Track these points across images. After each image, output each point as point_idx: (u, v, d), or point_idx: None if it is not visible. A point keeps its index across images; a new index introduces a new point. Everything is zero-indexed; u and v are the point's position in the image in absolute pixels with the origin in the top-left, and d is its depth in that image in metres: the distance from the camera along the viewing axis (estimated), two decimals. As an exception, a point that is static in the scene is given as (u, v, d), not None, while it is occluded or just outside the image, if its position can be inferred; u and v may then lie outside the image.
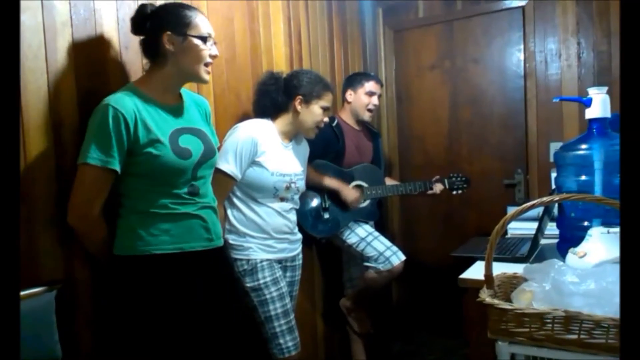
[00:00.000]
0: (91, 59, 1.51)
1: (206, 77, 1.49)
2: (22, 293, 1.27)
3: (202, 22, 1.46)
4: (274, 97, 1.98)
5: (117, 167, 1.34)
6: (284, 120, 2.00)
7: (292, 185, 1.96)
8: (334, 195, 2.42)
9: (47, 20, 1.39)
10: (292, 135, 2.04)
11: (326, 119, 2.04)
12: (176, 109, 1.50)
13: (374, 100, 2.59)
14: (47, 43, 1.39)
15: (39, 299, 1.30)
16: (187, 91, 1.63)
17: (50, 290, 1.34)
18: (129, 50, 1.62)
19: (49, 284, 1.34)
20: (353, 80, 2.63)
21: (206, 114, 1.64)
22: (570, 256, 1.36)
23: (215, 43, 1.51)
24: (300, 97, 1.97)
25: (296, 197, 2.02)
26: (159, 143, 1.38)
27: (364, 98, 2.58)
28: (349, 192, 2.39)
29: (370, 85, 2.58)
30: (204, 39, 1.46)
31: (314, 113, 1.98)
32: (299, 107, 1.97)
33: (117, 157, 1.33)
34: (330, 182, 2.37)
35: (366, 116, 2.61)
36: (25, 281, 1.30)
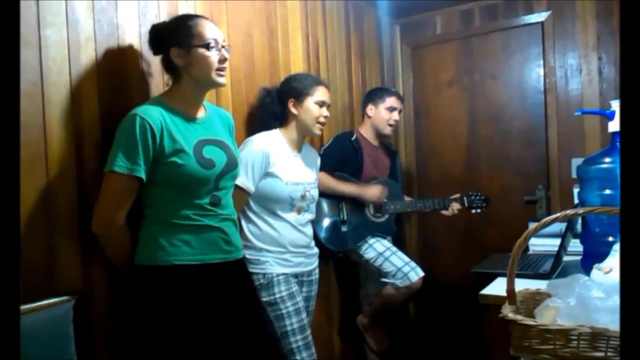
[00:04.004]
0: (113, 74, 1.54)
1: (221, 80, 1.50)
2: (39, 303, 1.28)
3: (204, 29, 1.46)
4: (270, 109, 2.03)
5: (143, 175, 1.36)
6: (288, 129, 2.02)
7: (307, 193, 1.96)
8: (351, 209, 2.40)
9: (72, 35, 1.42)
10: (301, 143, 2.06)
11: (326, 113, 2.02)
12: (201, 120, 1.52)
13: (395, 115, 2.59)
14: (71, 58, 1.42)
15: (56, 309, 1.31)
16: (212, 105, 1.66)
17: (68, 301, 1.34)
18: (151, 64, 1.65)
19: (66, 294, 1.35)
20: (374, 95, 2.63)
21: (230, 128, 1.67)
22: (595, 272, 1.32)
23: (224, 47, 1.49)
24: (292, 99, 1.99)
25: (312, 206, 2.02)
26: (183, 153, 1.40)
27: (384, 113, 2.57)
28: (370, 191, 2.38)
29: (391, 101, 2.58)
30: (207, 46, 1.45)
31: (309, 110, 1.98)
32: (294, 110, 1.99)
33: (142, 165, 1.35)
34: (348, 188, 2.37)
35: (387, 130, 2.61)
36: (43, 291, 1.31)
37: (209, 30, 1.47)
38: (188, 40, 1.44)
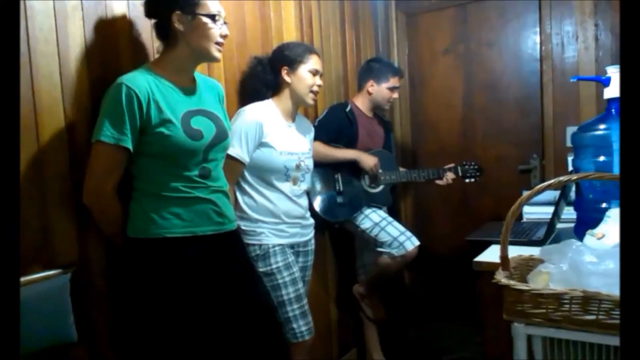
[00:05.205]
0: (102, 42, 1.50)
1: (217, 55, 1.49)
2: (36, 275, 1.29)
3: (210, 1, 1.45)
4: (262, 78, 2.00)
5: (130, 146, 1.35)
6: (281, 98, 2.00)
7: (302, 163, 1.96)
8: (347, 180, 2.41)
9: (58, 4, 1.38)
10: (294, 113, 2.04)
11: (320, 82, 2.01)
12: (190, 90, 1.50)
13: (395, 94, 2.60)
14: (58, 27, 1.39)
15: (53, 281, 1.32)
16: (201, 75, 1.63)
17: (65, 273, 1.35)
18: (140, 33, 1.61)
19: (63, 266, 1.36)
20: (377, 72, 2.57)
21: (219, 97, 1.64)
22: (588, 238, 1.34)
23: (225, 23, 1.50)
24: (285, 67, 1.97)
25: (307, 176, 2.02)
26: (170, 123, 1.38)
27: (387, 92, 2.56)
28: (368, 158, 2.39)
29: (395, 80, 2.57)
30: (213, 18, 1.44)
31: (303, 78, 1.96)
32: (287, 78, 1.96)
33: (129, 135, 1.34)
34: (346, 153, 2.39)
35: (387, 107, 2.66)
36: (39, 263, 1.31)
37: (216, 4, 1.47)
38: (194, 8, 1.42)
